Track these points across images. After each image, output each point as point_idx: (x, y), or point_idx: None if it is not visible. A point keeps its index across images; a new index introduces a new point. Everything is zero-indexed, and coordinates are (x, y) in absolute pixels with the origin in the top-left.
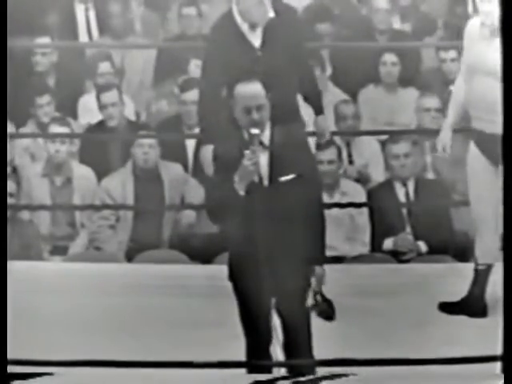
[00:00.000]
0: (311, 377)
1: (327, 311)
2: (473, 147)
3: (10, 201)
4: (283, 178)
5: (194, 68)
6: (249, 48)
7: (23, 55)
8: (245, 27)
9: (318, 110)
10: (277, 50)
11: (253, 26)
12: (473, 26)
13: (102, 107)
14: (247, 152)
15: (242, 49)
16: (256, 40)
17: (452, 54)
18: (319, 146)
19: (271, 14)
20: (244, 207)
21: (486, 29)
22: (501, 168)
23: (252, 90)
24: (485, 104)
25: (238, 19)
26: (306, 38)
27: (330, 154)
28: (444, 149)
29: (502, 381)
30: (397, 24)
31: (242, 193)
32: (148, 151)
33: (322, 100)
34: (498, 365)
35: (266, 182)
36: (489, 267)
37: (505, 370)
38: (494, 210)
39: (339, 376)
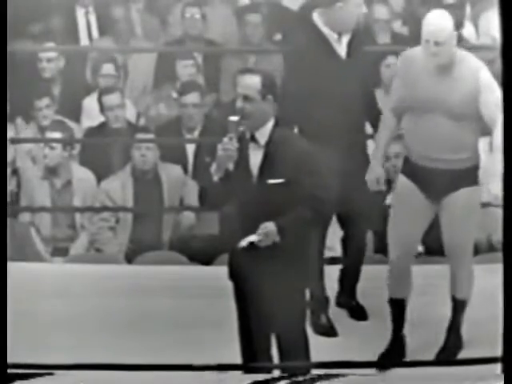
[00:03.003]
0: (307, 377)
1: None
2: (403, 177)
3: (10, 203)
4: (271, 181)
5: (182, 68)
6: (335, 57)
7: (29, 60)
8: (333, 37)
9: (376, 128)
10: (358, 62)
11: (340, 35)
12: (412, 57)
13: (105, 109)
14: (224, 139)
15: (329, 58)
16: (342, 50)
17: None
18: None
19: (354, 26)
20: (233, 201)
21: (434, 60)
22: (431, 201)
23: (245, 80)
24: (434, 143)
25: (326, 29)
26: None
27: None
28: (378, 182)
29: (502, 381)
30: (397, 28)
31: (215, 179)
32: (145, 153)
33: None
34: (498, 366)
35: (255, 180)
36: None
37: (505, 371)
38: (416, 234)
39: (336, 376)
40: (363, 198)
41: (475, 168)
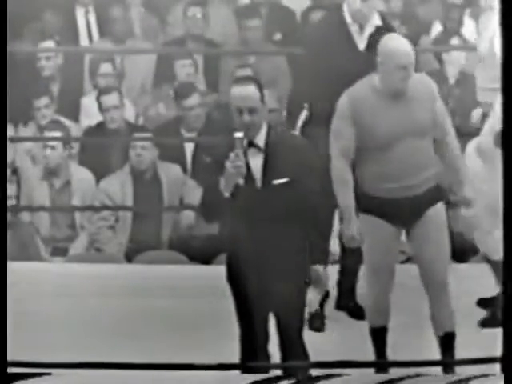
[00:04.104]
0: (305, 377)
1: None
2: (366, 216)
3: (10, 203)
4: (276, 181)
5: (180, 68)
6: (353, 49)
7: (28, 59)
8: (354, 28)
9: None
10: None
11: (361, 28)
12: (359, 94)
13: (103, 110)
14: (231, 155)
15: (347, 49)
16: (361, 43)
17: (446, 56)
18: None
19: (379, 22)
20: (236, 208)
21: (405, 84)
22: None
23: (245, 91)
24: (406, 170)
25: (349, 19)
26: None
27: None
28: (358, 237)
29: (502, 381)
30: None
31: (226, 195)
32: (141, 153)
33: None
34: (498, 365)
35: (258, 184)
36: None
37: (505, 371)
38: (391, 265)
39: (333, 376)
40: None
41: (439, 185)
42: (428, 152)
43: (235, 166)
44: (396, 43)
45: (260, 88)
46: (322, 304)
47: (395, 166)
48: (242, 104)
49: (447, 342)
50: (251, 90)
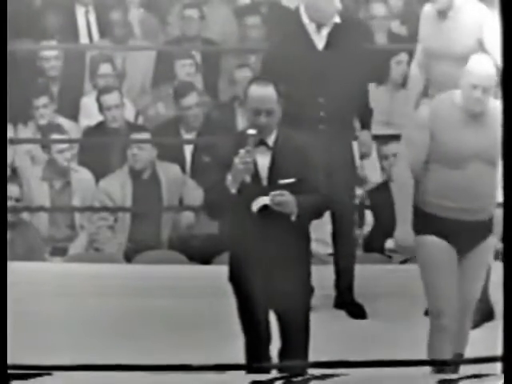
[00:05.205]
0: (304, 377)
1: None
2: (430, 238)
3: (16, 205)
4: (282, 181)
5: (180, 68)
6: (312, 49)
7: (28, 59)
8: (311, 27)
9: (365, 125)
10: (339, 55)
11: (319, 27)
12: (441, 107)
13: (103, 109)
14: (241, 151)
15: (305, 48)
16: (320, 42)
17: None
18: (362, 157)
19: (338, 20)
20: (241, 206)
21: (477, 107)
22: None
23: (264, 93)
24: (474, 193)
25: (305, 19)
26: (367, 53)
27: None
28: (407, 242)
29: (502, 381)
30: (396, 27)
31: (233, 191)
32: (137, 153)
33: (371, 117)
34: (498, 365)
35: (265, 183)
36: None
37: (505, 371)
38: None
39: (331, 376)
40: (346, 195)
41: (493, 217)
42: (495, 180)
43: (244, 162)
44: (479, 63)
45: (277, 89)
46: None
47: (460, 185)
48: (260, 106)
49: (454, 359)
50: (270, 91)
